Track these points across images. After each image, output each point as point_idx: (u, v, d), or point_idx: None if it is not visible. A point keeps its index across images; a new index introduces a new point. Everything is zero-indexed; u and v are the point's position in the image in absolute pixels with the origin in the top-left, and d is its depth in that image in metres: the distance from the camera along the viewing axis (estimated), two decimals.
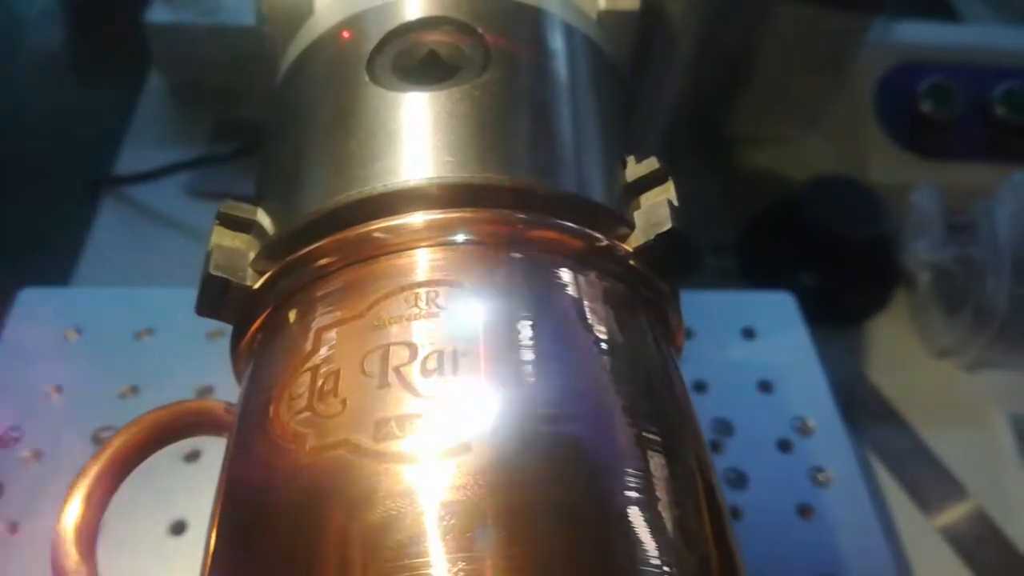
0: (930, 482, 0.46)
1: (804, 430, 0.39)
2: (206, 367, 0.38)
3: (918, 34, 0.58)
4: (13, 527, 0.33)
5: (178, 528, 0.34)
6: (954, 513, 0.45)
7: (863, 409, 0.48)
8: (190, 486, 0.35)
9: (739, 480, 0.37)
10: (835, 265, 0.53)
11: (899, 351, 0.52)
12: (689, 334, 0.43)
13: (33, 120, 0.60)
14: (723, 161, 0.59)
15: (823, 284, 0.52)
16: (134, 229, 0.52)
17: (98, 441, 0.36)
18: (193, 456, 0.35)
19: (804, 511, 0.36)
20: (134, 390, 0.38)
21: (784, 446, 0.39)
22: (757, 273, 0.54)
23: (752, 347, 0.43)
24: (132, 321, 0.40)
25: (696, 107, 0.55)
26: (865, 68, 0.56)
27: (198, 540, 0.33)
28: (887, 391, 0.50)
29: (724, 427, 0.39)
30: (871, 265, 0.54)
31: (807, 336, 0.43)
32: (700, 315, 0.43)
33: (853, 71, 0.56)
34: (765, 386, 0.41)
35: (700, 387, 0.40)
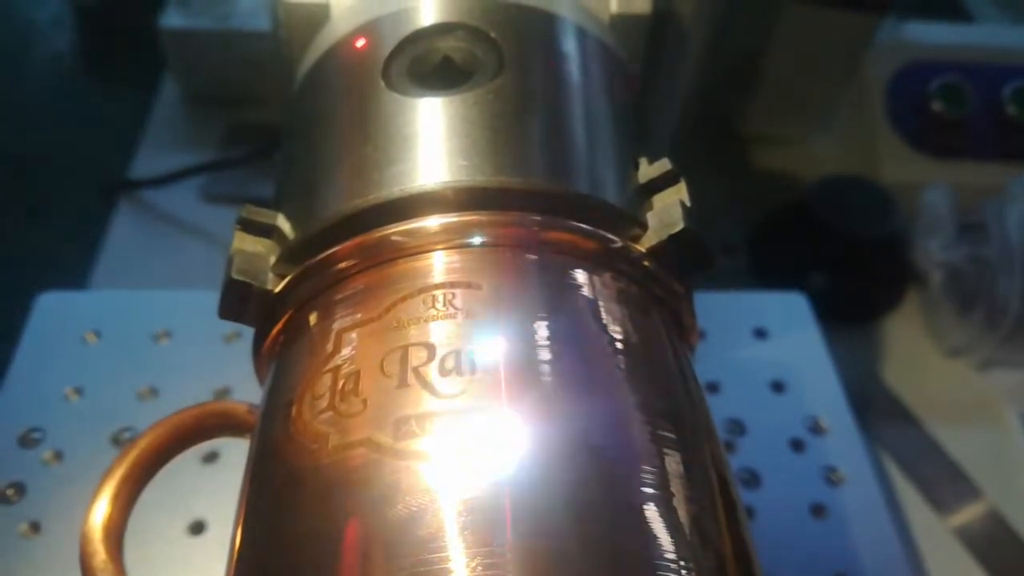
0: (943, 481, 0.46)
1: (817, 430, 0.39)
2: (224, 369, 0.38)
3: (929, 34, 0.58)
4: (35, 527, 0.33)
5: (197, 528, 0.34)
6: (967, 512, 0.45)
7: (875, 408, 0.48)
8: (209, 487, 0.35)
9: (752, 480, 0.38)
10: (846, 265, 0.53)
11: (911, 350, 0.52)
12: (701, 335, 0.43)
13: (48, 126, 0.60)
14: (734, 161, 0.59)
15: (834, 284, 0.52)
16: (149, 233, 0.52)
17: (118, 442, 0.36)
18: (211, 457, 0.36)
19: (817, 510, 0.37)
20: (153, 392, 0.38)
21: (797, 446, 0.39)
22: (768, 273, 0.54)
23: (764, 347, 0.43)
24: (150, 324, 0.41)
25: (707, 108, 0.55)
26: (876, 68, 0.56)
27: (217, 540, 0.34)
28: (899, 390, 0.50)
29: (737, 427, 0.39)
30: (882, 264, 0.54)
31: (819, 336, 0.43)
32: (712, 316, 0.43)
33: (864, 71, 0.56)
34: (778, 386, 0.41)
35: (713, 387, 0.41)
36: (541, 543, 0.16)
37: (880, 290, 0.54)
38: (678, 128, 0.43)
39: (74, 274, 0.49)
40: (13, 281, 0.48)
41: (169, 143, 0.57)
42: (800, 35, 0.53)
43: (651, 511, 0.17)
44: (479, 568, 0.16)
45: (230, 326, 0.40)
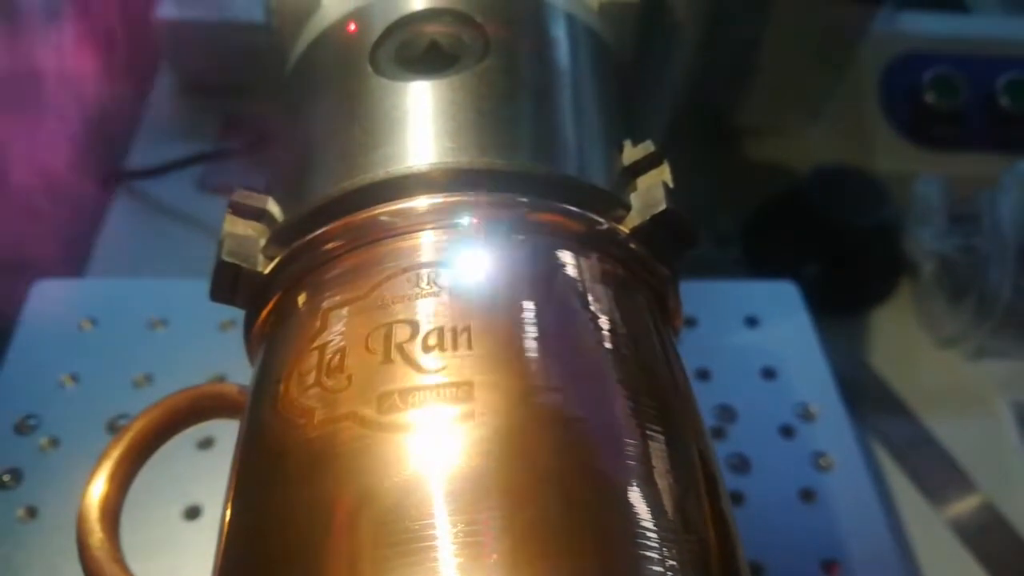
0: (934, 471, 0.46)
1: (806, 416, 0.40)
2: (219, 356, 0.39)
3: (923, 24, 0.58)
4: (32, 512, 0.34)
5: (193, 513, 0.35)
6: (958, 501, 0.45)
7: (867, 398, 0.48)
8: (204, 472, 0.35)
9: (742, 465, 0.38)
10: (839, 255, 0.53)
11: (902, 340, 0.52)
12: (693, 322, 0.43)
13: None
14: (727, 151, 0.59)
15: (827, 273, 0.53)
16: (146, 223, 0.53)
17: (113, 429, 0.36)
18: (207, 443, 0.36)
19: (806, 495, 0.37)
20: (148, 379, 0.38)
21: (786, 432, 0.39)
22: (761, 264, 0.54)
23: (755, 335, 0.43)
24: (146, 312, 0.41)
25: (700, 98, 0.55)
26: (869, 58, 0.56)
27: (212, 525, 0.34)
28: (891, 380, 0.50)
29: (727, 413, 0.39)
30: (875, 255, 0.54)
31: (810, 323, 0.43)
32: (704, 304, 0.43)
33: (857, 61, 0.56)
34: (768, 373, 0.41)
35: (704, 374, 0.41)
36: (522, 512, 0.16)
37: (872, 280, 0.55)
38: (672, 118, 0.44)
39: (71, 263, 0.49)
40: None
41: (166, 134, 0.57)
42: (795, 25, 0.53)
43: (633, 489, 0.18)
44: (460, 535, 0.16)
45: (226, 315, 0.40)
